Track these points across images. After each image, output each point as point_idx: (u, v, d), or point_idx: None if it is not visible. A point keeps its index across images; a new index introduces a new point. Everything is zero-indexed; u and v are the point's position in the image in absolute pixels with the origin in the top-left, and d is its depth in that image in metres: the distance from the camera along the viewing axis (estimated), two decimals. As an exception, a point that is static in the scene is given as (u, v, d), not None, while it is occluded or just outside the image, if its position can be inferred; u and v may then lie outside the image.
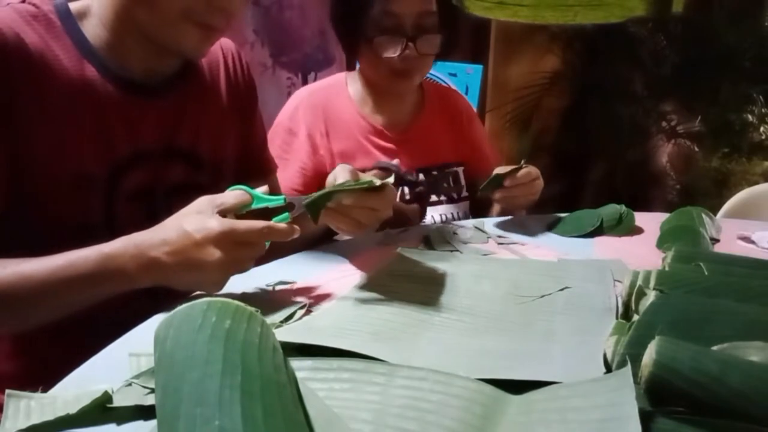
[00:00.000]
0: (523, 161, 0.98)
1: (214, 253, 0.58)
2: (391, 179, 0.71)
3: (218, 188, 0.85)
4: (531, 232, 0.96)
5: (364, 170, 1.09)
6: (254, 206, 0.66)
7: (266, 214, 0.66)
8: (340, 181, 0.70)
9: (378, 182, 0.68)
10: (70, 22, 0.70)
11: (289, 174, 1.08)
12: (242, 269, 0.63)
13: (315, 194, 0.66)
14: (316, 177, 1.08)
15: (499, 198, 1.01)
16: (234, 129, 0.88)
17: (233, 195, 0.65)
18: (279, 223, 0.63)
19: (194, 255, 0.58)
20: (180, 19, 0.69)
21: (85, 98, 0.70)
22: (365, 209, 0.70)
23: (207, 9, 0.69)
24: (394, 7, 1.00)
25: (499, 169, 0.98)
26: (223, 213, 0.62)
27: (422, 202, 1.10)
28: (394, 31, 1.01)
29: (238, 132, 0.89)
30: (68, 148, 0.69)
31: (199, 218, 0.60)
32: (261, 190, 0.67)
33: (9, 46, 0.65)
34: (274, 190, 0.98)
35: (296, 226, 0.64)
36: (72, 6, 0.71)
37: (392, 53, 1.02)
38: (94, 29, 0.72)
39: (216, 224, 0.59)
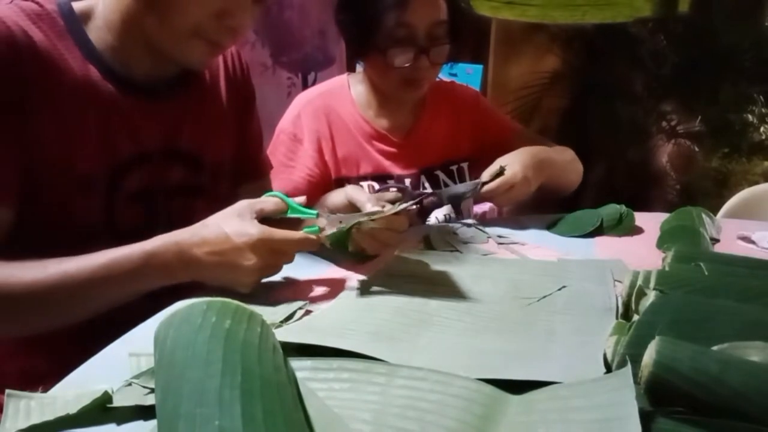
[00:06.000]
0: (504, 167, 0.97)
1: (251, 258, 0.62)
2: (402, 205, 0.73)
3: (218, 190, 0.85)
4: (531, 232, 0.96)
5: (365, 176, 1.09)
6: (288, 215, 0.70)
7: (296, 224, 0.69)
8: (366, 204, 0.74)
9: (398, 208, 0.71)
10: (73, 23, 0.70)
11: (295, 181, 1.06)
12: (273, 274, 0.67)
13: (340, 228, 0.69)
14: (323, 182, 1.07)
15: (478, 197, 1.02)
16: (233, 129, 0.88)
17: (272, 201, 0.69)
18: (310, 234, 0.67)
19: (231, 258, 0.62)
20: (190, 35, 0.69)
21: (88, 99, 0.70)
22: (391, 232, 0.76)
23: (217, 28, 0.70)
24: (409, 17, 0.98)
25: (486, 174, 0.98)
26: (260, 217, 0.66)
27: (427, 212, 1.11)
28: (407, 42, 1.00)
29: (237, 132, 0.89)
30: (71, 149, 0.69)
31: (239, 222, 0.64)
32: (298, 200, 0.71)
33: (19, 44, 0.64)
34: (268, 191, 0.98)
35: (322, 236, 0.68)
36: (75, 6, 0.71)
37: (404, 63, 1.01)
38: (97, 31, 0.71)
39: (255, 231, 0.62)
